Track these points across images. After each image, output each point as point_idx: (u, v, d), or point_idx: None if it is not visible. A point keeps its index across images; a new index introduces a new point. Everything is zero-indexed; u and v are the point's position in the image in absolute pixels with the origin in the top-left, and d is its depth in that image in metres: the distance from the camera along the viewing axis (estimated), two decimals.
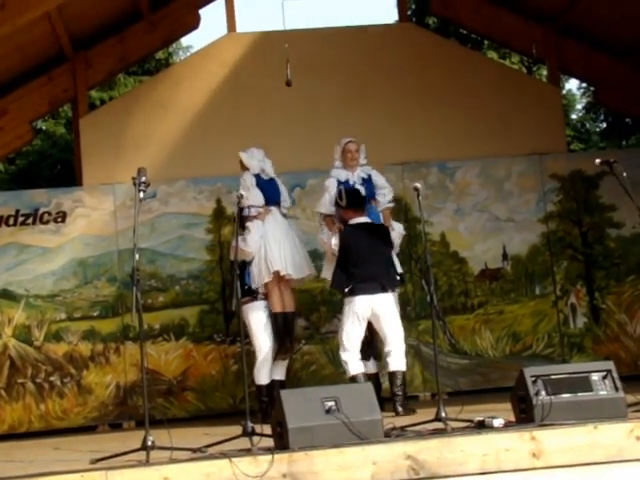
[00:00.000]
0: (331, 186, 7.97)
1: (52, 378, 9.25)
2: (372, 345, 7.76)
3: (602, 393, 5.43)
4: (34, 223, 9.41)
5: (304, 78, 9.22)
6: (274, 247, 7.78)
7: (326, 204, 7.97)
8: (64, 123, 16.11)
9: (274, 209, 8.03)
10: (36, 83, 10.01)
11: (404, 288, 8.98)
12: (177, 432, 7.09)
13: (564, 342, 9.80)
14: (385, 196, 8.09)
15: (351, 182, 7.93)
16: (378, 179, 8.12)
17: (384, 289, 7.50)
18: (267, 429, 5.52)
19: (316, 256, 9.37)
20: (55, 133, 16.15)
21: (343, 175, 8.00)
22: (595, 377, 5.49)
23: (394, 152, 9.89)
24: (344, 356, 7.53)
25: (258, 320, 7.71)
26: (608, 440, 5.11)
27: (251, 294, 7.72)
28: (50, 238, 9.41)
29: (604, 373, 5.50)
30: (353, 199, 7.77)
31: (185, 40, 16.11)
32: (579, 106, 18.52)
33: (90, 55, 10.15)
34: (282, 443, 5.08)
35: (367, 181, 8.00)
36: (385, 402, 7.68)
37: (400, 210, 9.35)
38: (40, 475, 4.98)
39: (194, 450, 5.33)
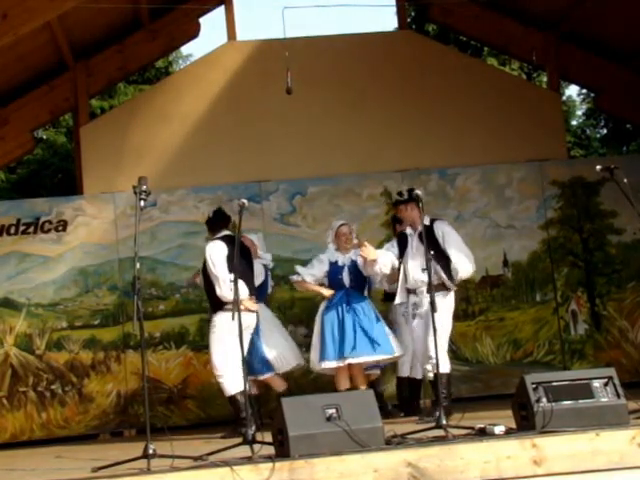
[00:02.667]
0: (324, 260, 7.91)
1: (53, 387, 9.26)
2: None
3: (603, 400, 5.43)
4: (35, 232, 9.43)
5: (304, 86, 9.23)
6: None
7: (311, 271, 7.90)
8: (65, 132, 16.13)
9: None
10: (37, 92, 10.04)
11: None
12: (178, 440, 7.12)
13: (565, 349, 9.80)
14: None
15: (340, 264, 7.81)
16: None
17: None
18: None
19: None
20: (56, 142, 16.15)
21: (334, 256, 7.86)
22: (596, 384, 5.48)
23: (394, 159, 9.92)
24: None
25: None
26: (610, 447, 5.11)
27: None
28: (51, 247, 9.43)
29: (605, 380, 5.50)
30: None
31: (185, 49, 16.15)
32: (579, 112, 18.53)
33: (91, 64, 10.18)
34: (283, 451, 5.08)
35: (356, 264, 7.81)
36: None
37: None
38: None
39: (195, 458, 5.33)
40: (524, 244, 9.93)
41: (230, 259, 7.47)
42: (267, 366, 8.04)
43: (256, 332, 7.79)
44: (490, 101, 10.32)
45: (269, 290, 8.56)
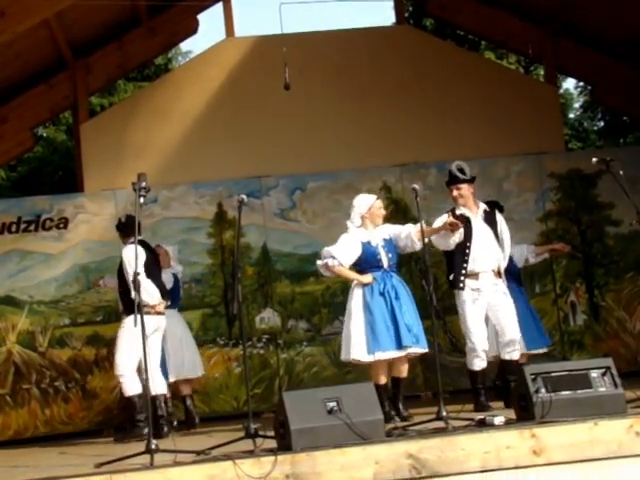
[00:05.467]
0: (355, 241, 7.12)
1: (57, 383, 9.31)
2: None
3: (601, 390, 5.48)
4: (36, 230, 9.47)
5: (302, 81, 9.27)
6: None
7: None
8: (65, 130, 16.16)
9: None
10: (36, 90, 10.07)
11: None
12: (181, 435, 7.17)
13: (564, 340, 9.85)
14: (408, 227, 7.19)
15: (374, 243, 7.09)
16: (392, 228, 7.27)
17: None
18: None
19: (317, 258, 9.44)
20: (56, 140, 16.19)
21: (365, 236, 7.12)
22: (594, 374, 5.53)
23: (393, 154, 9.95)
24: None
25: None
26: (608, 436, 5.15)
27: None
28: (52, 244, 9.47)
29: (603, 370, 5.54)
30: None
31: (184, 45, 16.23)
32: (577, 105, 18.56)
33: (90, 61, 10.20)
34: (285, 444, 5.11)
35: (388, 241, 7.17)
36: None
37: (399, 211, 9.42)
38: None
39: (198, 452, 5.37)
40: (523, 236, 9.89)
41: (146, 263, 7.49)
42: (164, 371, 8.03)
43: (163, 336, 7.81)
44: (488, 95, 10.35)
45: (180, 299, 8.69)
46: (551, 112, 10.54)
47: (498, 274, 7.22)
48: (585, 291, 9.95)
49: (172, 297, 8.24)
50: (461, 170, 7.34)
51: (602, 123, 17.58)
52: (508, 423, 5.46)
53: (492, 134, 10.18)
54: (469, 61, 10.83)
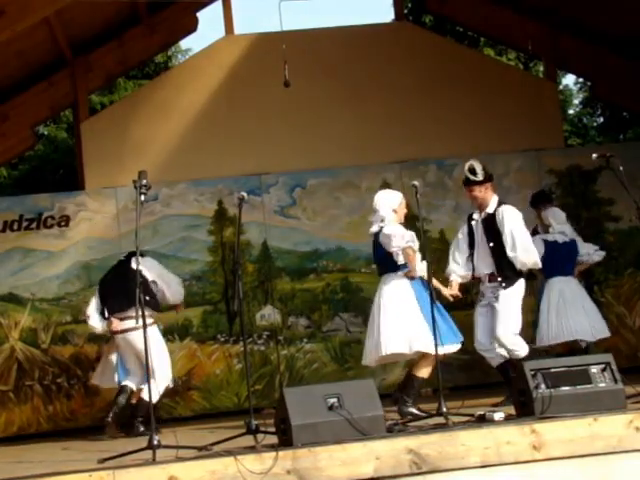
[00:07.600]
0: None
1: (59, 380, 9.34)
2: None
3: (601, 385, 5.51)
4: (38, 227, 9.49)
5: (302, 78, 9.28)
6: None
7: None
8: (65, 128, 16.19)
9: None
10: (37, 88, 10.08)
11: None
12: (183, 431, 7.21)
13: None
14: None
15: None
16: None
17: None
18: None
19: (318, 256, 9.53)
20: (57, 138, 16.22)
21: None
22: (594, 370, 5.56)
23: (392, 151, 9.97)
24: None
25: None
26: (608, 431, 5.19)
27: None
28: (54, 242, 9.50)
29: (603, 365, 5.58)
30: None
31: (184, 43, 16.19)
32: (576, 101, 18.58)
33: (90, 59, 10.20)
34: (286, 440, 5.15)
35: None
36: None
37: None
38: (49, 475, 5.06)
39: (199, 448, 5.40)
40: None
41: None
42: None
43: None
44: (487, 91, 10.36)
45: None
46: (550, 108, 10.55)
47: (493, 277, 7.10)
48: (585, 287, 9.95)
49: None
50: (472, 171, 7.14)
51: (602, 119, 17.59)
52: (508, 419, 5.49)
53: (491, 130, 10.19)
54: (468, 57, 10.83)
